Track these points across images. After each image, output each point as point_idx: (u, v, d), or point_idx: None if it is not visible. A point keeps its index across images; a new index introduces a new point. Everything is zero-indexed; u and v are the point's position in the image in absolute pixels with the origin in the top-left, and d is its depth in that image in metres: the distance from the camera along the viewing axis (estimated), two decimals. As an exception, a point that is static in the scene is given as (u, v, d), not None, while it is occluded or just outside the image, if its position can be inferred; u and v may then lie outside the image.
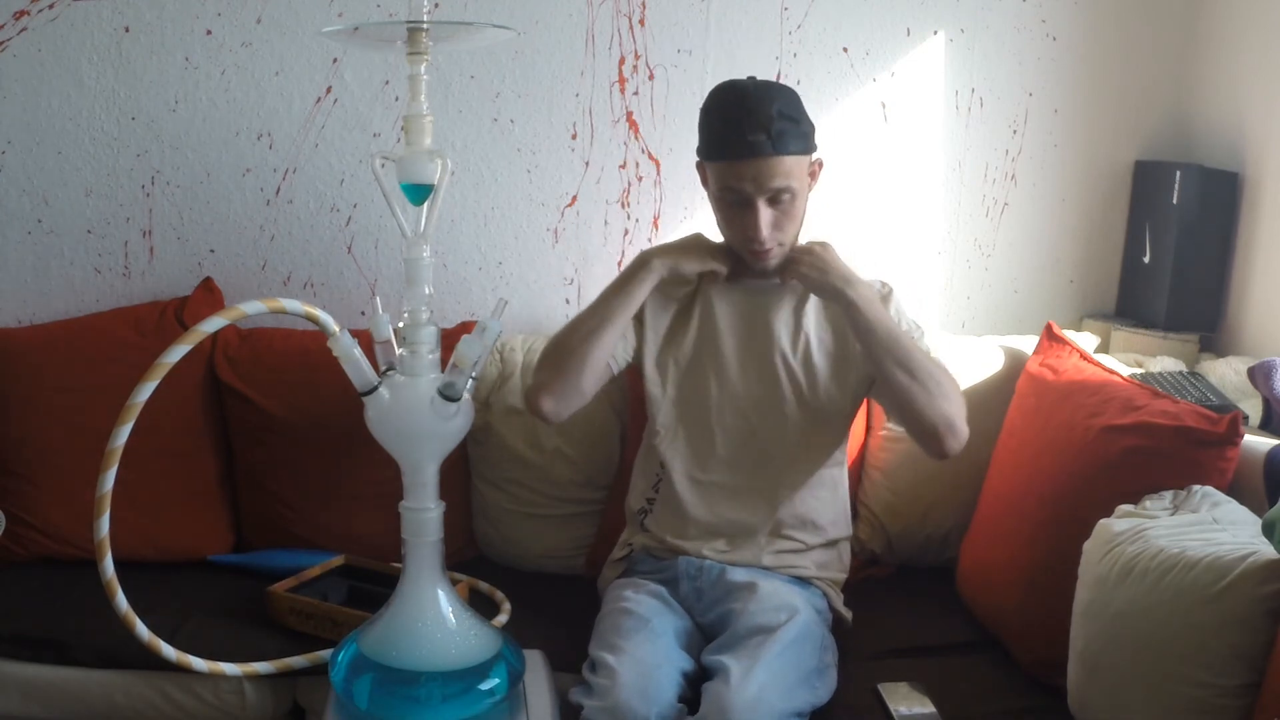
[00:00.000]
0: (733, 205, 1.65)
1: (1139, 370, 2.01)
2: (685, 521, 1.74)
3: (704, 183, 1.72)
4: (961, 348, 2.06)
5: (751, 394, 1.73)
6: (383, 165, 1.36)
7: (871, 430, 2.05)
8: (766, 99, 1.60)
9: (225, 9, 2.07)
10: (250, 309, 1.42)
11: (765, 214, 1.62)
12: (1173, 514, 1.50)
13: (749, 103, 1.60)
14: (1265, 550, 1.30)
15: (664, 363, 1.76)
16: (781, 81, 2.14)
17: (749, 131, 1.58)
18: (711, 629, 1.66)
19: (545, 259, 2.24)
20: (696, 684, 1.54)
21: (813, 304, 1.75)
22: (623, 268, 2.21)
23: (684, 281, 1.76)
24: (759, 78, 1.67)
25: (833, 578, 1.78)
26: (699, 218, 2.21)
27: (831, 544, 1.79)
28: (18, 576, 1.92)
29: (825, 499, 1.77)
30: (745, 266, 1.72)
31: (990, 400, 1.96)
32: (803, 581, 1.73)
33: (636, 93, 2.17)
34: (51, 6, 2.04)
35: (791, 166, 1.61)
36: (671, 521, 1.75)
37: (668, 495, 1.76)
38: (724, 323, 1.75)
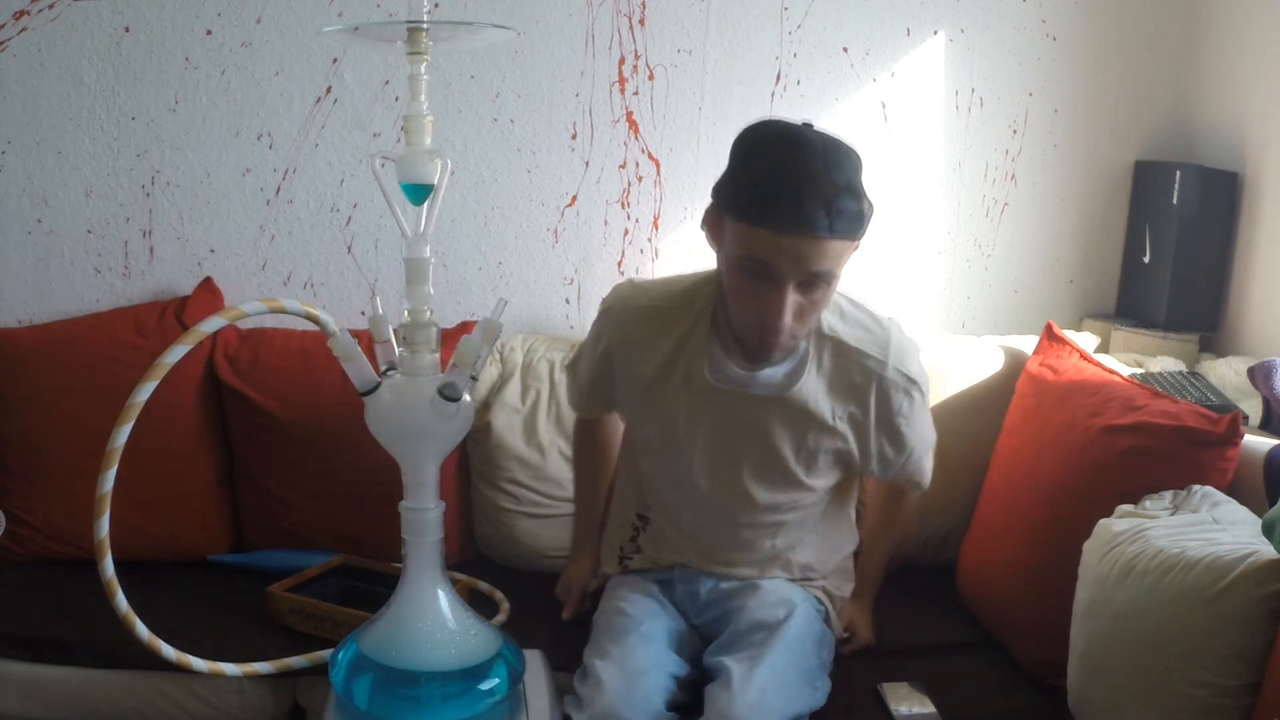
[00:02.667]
0: (755, 279, 1.38)
1: (1139, 370, 2.01)
2: (677, 548, 1.70)
3: (712, 233, 1.47)
4: (961, 348, 2.06)
5: (743, 489, 1.59)
6: (383, 165, 1.36)
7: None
8: (834, 165, 1.33)
9: (225, 9, 2.07)
10: (250, 309, 1.42)
11: (792, 300, 1.37)
12: (1173, 514, 1.50)
13: (814, 165, 1.31)
14: (1265, 550, 1.30)
15: (644, 433, 1.66)
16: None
17: (808, 202, 1.30)
18: (707, 629, 1.66)
19: (545, 259, 2.24)
20: (690, 687, 1.54)
21: (823, 403, 1.53)
22: (621, 268, 2.22)
23: (660, 347, 1.58)
24: (815, 126, 1.37)
25: (835, 588, 1.76)
26: (699, 218, 2.20)
27: (832, 573, 1.75)
28: (18, 576, 1.92)
29: (821, 539, 1.71)
30: (741, 348, 1.49)
31: (990, 400, 1.96)
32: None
33: (636, 93, 2.17)
34: (51, 6, 2.04)
35: (840, 250, 1.36)
36: (664, 544, 1.71)
37: (657, 525, 1.72)
38: (715, 415, 1.56)
